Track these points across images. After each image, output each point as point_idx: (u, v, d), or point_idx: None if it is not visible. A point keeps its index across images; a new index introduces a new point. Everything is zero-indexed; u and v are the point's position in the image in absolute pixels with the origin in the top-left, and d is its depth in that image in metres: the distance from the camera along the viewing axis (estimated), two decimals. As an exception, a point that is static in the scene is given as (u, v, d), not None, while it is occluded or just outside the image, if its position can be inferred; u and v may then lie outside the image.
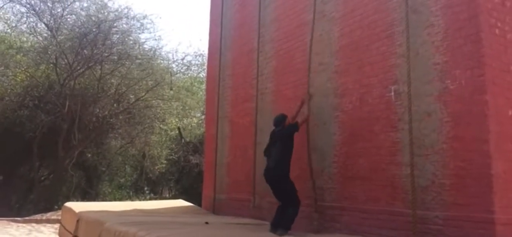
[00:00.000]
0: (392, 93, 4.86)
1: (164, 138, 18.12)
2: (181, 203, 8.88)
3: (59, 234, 8.22)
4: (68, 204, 8.32)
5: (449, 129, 4.28)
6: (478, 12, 4.14)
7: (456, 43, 4.29)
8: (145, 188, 17.92)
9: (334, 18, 5.81)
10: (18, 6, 15.35)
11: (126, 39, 15.17)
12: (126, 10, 15.22)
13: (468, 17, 4.22)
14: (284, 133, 5.34)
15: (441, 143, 4.33)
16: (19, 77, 14.99)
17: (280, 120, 5.48)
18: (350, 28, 5.53)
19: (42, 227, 11.09)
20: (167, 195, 18.65)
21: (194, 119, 18.30)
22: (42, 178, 16.89)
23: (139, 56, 15.37)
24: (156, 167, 17.28)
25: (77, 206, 7.73)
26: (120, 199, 16.52)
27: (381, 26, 5.12)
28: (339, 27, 5.71)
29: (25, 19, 15.58)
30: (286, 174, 5.18)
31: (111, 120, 15.50)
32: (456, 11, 4.32)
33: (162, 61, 16.93)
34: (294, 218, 5.07)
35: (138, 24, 15.55)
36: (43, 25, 15.31)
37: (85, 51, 14.51)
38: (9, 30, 16.09)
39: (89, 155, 16.60)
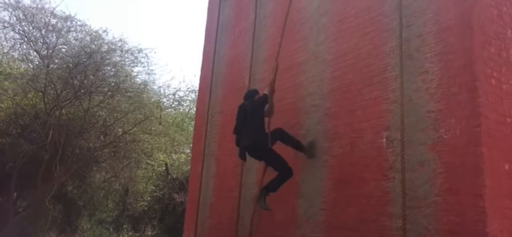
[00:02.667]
0: (384, 140, 4.67)
1: (150, 173, 17.63)
2: (160, 244, 8.43)
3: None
4: (40, 239, 7.83)
5: (443, 181, 4.06)
6: (474, 60, 4.02)
7: (451, 91, 4.14)
8: (124, 226, 17.19)
9: (326, 60, 5.69)
10: (12, 33, 15.20)
11: (119, 71, 14.98)
12: (120, 43, 15.15)
13: (463, 65, 4.09)
14: (255, 102, 5.34)
15: (434, 195, 4.09)
16: (5, 104, 14.61)
17: (251, 94, 5.56)
18: (342, 71, 5.40)
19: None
20: (150, 233, 17.94)
21: (183, 155, 17.90)
22: (19, 210, 16.17)
23: (130, 89, 15.13)
24: (139, 204, 16.67)
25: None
26: (99, 236, 15.83)
27: (374, 70, 4.99)
28: (331, 70, 5.58)
29: (18, 46, 15.40)
30: (265, 144, 5.15)
31: (96, 152, 15.05)
32: (451, 59, 4.20)
33: (153, 95, 16.74)
34: (282, 182, 5.03)
35: (132, 57, 15.43)
36: (35, 52, 15.12)
37: (75, 81, 14.27)
38: (-1, 56, 15.88)
39: (70, 188, 16.00)
